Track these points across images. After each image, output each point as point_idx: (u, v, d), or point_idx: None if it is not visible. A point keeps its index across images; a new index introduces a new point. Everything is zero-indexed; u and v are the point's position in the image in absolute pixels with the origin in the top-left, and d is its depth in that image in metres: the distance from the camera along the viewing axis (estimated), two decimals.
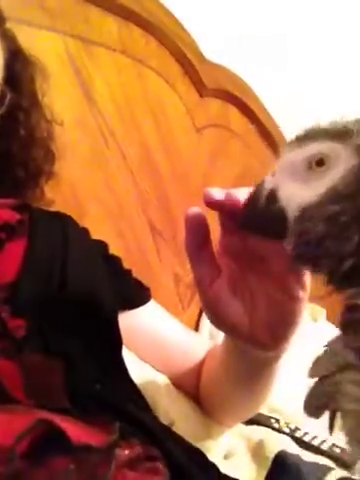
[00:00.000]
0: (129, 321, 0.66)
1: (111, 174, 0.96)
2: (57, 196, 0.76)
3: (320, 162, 0.31)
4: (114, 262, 0.71)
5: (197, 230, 0.41)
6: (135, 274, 0.73)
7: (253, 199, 0.35)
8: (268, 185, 0.34)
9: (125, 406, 0.34)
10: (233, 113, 1.19)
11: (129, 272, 0.72)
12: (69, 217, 0.66)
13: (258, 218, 0.35)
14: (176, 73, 1.06)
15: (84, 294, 0.51)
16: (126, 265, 0.73)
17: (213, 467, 0.36)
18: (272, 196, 0.33)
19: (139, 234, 1.03)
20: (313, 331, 1.25)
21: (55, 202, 0.74)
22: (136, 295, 0.70)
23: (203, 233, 0.41)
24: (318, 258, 0.31)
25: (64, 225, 0.62)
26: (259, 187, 0.35)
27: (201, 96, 1.12)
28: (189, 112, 1.10)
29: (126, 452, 0.27)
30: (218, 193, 0.39)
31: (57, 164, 0.73)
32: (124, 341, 0.62)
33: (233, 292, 0.41)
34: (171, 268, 1.10)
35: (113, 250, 0.73)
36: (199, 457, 0.35)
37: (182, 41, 1.04)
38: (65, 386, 0.35)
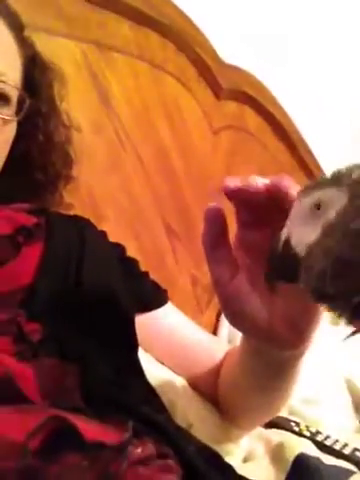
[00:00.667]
0: (146, 323, 0.67)
1: (128, 177, 0.97)
2: (75, 200, 0.77)
3: (318, 206, 0.35)
4: (131, 264, 0.71)
5: (214, 224, 0.41)
6: (152, 276, 0.74)
7: (272, 251, 0.38)
8: (283, 235, 0.37)
9: (139, 407, 0.34)
10: (249, 114, 1.19)
11: (146, 274, 0.73)
12: (86, 220, 0.67)
13: (279, 268, 0.38)
14: (192, 76, 1.07)
15: (100, 296, 0.51)
16: (143, 268, 0.74)
17: (229, 468, 0.35)
18: (287, 244, 0.37)
19: (156, 236, 1.03)
20: (334, 335, 1.23)
21: (74, 206, 0.75)
22: (153, 297, 0.70)
23: (220, 227, 0.41)
24: (328, 295, 0.33)
25: (81, 228, 0.63)
26: (276, 238, 0.38)
27: (217, 98, 1.12)
28: (205, 114, 1.10)
29: (139, 450, 0.27)
30: (234, 181, 0.39)
31: (75, 168, 0.74)
32: (142, 343, 0.62)
33: (252, 287, 0.41)
34: (188, 270, 1.10)
35: (130, 252, 0.73)
36: (214, 458, 0.35)
37: (199, 44, 1.05)
38: (80, 388, 0.35)
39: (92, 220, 0.70)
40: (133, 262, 0.72)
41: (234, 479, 0.36)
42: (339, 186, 0.34)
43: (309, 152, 1.32)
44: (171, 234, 1.06)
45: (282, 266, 0.37)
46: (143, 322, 0.65)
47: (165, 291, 0.73)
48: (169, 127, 1.03)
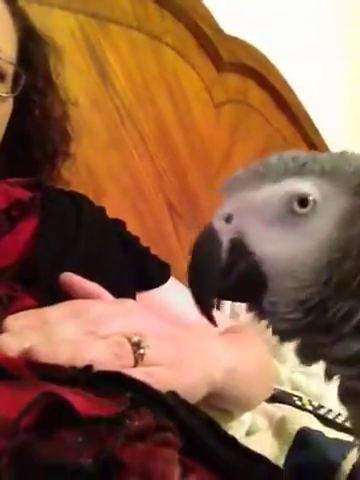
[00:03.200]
0: (149, 299, 0.66)
1: (128, 154, 0.95)
2: (74, 177, 0.76)
3: (304, 202, 0.25)
4: (131, 241, 0.70)
5: None
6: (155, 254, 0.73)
7: (208, 253, 0.26)
8: (226, 233, 0.26)
9: (140, 382, 0.34)
10: (252, 88, 1.16)
11: (147, 250, 0.72)
12: (83, 196, 0.66)
13: (225, 276, 0.26)
14: (192, 47, 1.04)
15: (97, 273, 0.51)
16: (145, 245, 0.73)
17: (231, 439, 0.35)
18: (237, 247, 0.26)
19: (157, 214, 1.02)
20: None
21: (72, 183, 0.74)
22: (155, 274, 0.70)
23: None
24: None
25: (77, 203, 0.62)
26: (209, 237, 0.26)
27: (218, 71, 1.10)
28: (207, 88, 1.08)
29: (136, 423, 0.26)
30: None
31: (73, 145, 0.73)
32: None
33: None
34: (190, 247, 1.09)
35: (131, 230, 0.73)
36: (215, 428, 0.35)
37: (198, 14, 1.02)
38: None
39: (92, 197, 0.69)
40: (133, 238, 0.71)
41: (237, 451, 0.36)
42: (334, 181, 0.25)
43: (312, 125, 1.30)
44: (173, 211, 1.05)
45: (232, 278, 0.26)
46: (146, 299, 0.65)
47: (167, 266, 0.72)
48: (169, 101, 1.01)
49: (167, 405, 0.32)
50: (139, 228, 0.94)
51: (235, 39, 1.10)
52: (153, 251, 0.74)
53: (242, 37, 1.09)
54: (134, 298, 0.60)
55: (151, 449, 0.25)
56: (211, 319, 0.29)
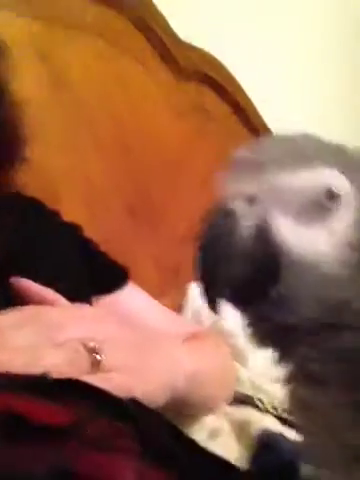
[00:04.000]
0: (107, 304, 0.65)
1: (85, 159, 0.94)
2: (29, 180, 0.74)
3: (332, 195, 0.24)
4: (88, 245, 0.69)
5: None
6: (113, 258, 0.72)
7: (227, 243, 0.24)
8: (248, 219, 0.24)
9: (99, 389, 0.33)
10: (210, 95, 1.17)
11: (105, 254, 0.71)
12: (35, 200, 0.65)
13: (244, 265, 0.24)
14: (151, 55, 1.04)
15: (52, 278, 0.50)
16: (104, 250, 0.72)
17: (192, 443, 0.35)
18: (261, 234, 0.24)
19: (116, 218, 1.01)
20: None
21: (27, 187, 0.72)
22: (113, 279, 0.69)
23: None
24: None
25: (30, 207, 0.60)
26: (228, 222, 0.24)
27: (177, 79, 1.10)
28: (166, 96, 1.08)
29: (92, 431, 0.26)
30: None
31: (28, 149, 0.71)
32: None
33: None
34: (151, 252, 1.08)
35: (89, 234, 0.71)
36: (176, 433, 0.34)
37: (156, 23, 1.02)
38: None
39: (48, 201, 0.68)
40: (90, 242, 0.70)
41: (198, 455, 0.35)
42: (352, 177, 0.24)
43: (269, 132, 1.33)
44: (132, 215, 1.04)
45: (252, 268, 0.24)
46: (103, 303, 0.64)
47: (125, 270, 0.71)
48: (127, 106, 1.01)
49: (125, 411, 0.31)
50: (97, 232, 0.92)
51: (193, 47, 1.11)
52: (112, 255, 0.73)
53: (199, 45, 1.10)
54: (90, 303, 0.59)
55: (107, 457, 0.25)
56: (216, 310, 0.26)
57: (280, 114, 1.36)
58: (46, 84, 0.87)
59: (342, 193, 0.24)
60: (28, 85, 0.82)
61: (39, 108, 0.83)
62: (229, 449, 0.64)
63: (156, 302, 0.74)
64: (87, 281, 0.60)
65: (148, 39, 1.03)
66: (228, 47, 1.19)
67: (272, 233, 0.25)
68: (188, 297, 1.13)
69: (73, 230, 0.67)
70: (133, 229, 1.04)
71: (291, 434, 0.71)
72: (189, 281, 1.16)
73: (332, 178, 0.24)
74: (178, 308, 1.15)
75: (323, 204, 0.24)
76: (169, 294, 1.13)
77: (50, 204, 0.68)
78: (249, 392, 0.84)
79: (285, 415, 0.81)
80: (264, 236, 0.25)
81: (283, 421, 0.78)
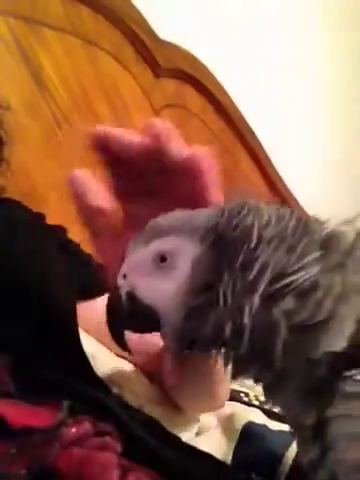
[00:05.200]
0: (92, 308, 0.65)
1: (67, 159, 0.93)
2: (10, 182, 0.74)
3: (163, 258, 0.34)
4: (72, 248, 0.69)
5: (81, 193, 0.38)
6: (97, 261, 0.72)
7: (115, 304, 0.36)
8: (123, 289, 0.36)
9: (79, 387, 0.34)
10: (189, 93, 1.18)
11: (89, 257, 0.71)
12: (16, 202, 0.64)
13: (128, 320, 0.36)
14: (129, 54, 1.04)
15: (35, 282, 0.50)
16: (88, 251, 0.72)
17: (175, 439, 0.36)
18: (133, 298, 0.35)
19: None
20: None
21: (7, 189, 0.72)
22: (97, 282, 0.68)
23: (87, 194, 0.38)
24: (190, 343, 0.33)
25: (10, 211, 0.60)
26: (115, 293, 0.36)
27: (156, 77, 1.10)
28: (145, 93, 1.08)
29: (73, 430, 0.26)
30: (105, 130, 0.35)
31: (7, 150, 0.71)
32: (91, 330, 0.61)
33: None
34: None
35: (74, 236, 0.71)
36: (159, 430, 0.35)
37: (133, 20, 1.02)
38: (10, 376, 0.34)
39: (32, 204, 0.67)
40: (74, 245, 0.70)
41: (181, 451, 0.36)
42: (186, 235, 0.34)
43: (250, 131, 1.34)
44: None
45: (133, 319, 0.36)
46: (88, 308, 0.64)
47: None
48: (107, 106, 1.00)
49: (108, 409, 0.32)
50: (81, 235, 0.92)
51: (171, 45, 1.11)
52: (96, 257, 0.73)
53: (177, 42, 1.11)
54: (75, 306, 0.59)
55: (87, 454, 0.25)
56: (126, 349, 0.37)
57: (260, 110, 1.37)
58: (27, 85, 0.86)
59: (170, 252, 0.34)
60: (10, 86, 0.82)
61: (20, 110, 0.83)
62: (215, 444, 0.65)
63: None
64: (71, 284, 0.60)
65: (127, 38, 1.02)
66: (207, 45, 1.20)
67: (137, 295, 0.35)
68: None
69: (58, 233, 0.67)
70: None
71: (276, 425, 0.73)
72: None
73: (161, 246, 0.34)
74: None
75: (160, 265, 0.34)
76: None
77: (34, 207, 0.67)
78: (234, 386, 0.85)
79: (269, 407, 0.83)
80: (134, 298, 0.35)
81: (268, 413, 0.79)
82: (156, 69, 1.09)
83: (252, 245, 0.31)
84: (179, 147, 0.37)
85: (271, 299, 0.30)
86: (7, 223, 0.57)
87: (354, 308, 0.29)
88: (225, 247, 0.32)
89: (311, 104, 1.63)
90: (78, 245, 0.70)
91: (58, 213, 0.89)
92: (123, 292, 0.35)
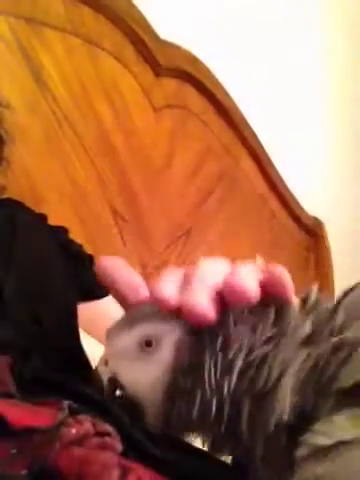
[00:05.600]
0: (94, 310, 0.65)
1: (68, 159, 0.94)
2: (11, 182, 0.74)
3: (148, 343, 0.35)
4: (74, 249, 0.69)
5: None
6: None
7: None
8: (105, 376, 0.36)
9: (79, 387, 0.34)
10: (190, 92, 1.18)
11: (91, 258, 0.71)
12: (18, 203, 0.64)
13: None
14: (130, 53, 1.04)
15: (36, 284, 0.49)
16: (89, 252, 0.72)
17: (175, 441, 0.35)
18: (115, 383, 0.35)
19: (101, 219, 1.01)
20: None
21: (7, 189, 0.72)
22: (99, 285, 0.68)
23: None
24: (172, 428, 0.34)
25: (11, 211, 0.60)
26: (97, 379, 0.36)
27: (157, 76, 1.10)
28: (146, 93, 1.08)
29: (73, 430, 0.26)
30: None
31: (7, 149, 0.71)
32: (90, 329, 0.61)
33: None
34: (137, 252, 1.09)
35: (76, 237, 0.71)
36: (160, 433, 0.35)
37: (134, 20, 1.02)
38: (11, 375, 0.34)
39: (31, 203, 0.67)
40: (76, 246, 0.70)
41: (181, 452, 0.36)
42: (168, 319, 0.35)
43: (251, 131, 1.34)
44: (117, 216, 1.04)
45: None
46: (90, 309, 0.64)
47: None
48: (108, 105, 1.00)
49: (107, 410, 0.32)
50: (82, 234, 0.92)
51: (171, 44, 1.11)
52: (98, 256, 0.72)
53: (178, 42, 1.10)
54: (76, 309, 0.59)
55: (88, 453, 0.25)
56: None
57: (261, 110, 1.37)
58: (28, 85, 0.86)
59: (154, 338, 0.35)
60: (12, 85, 0.82)
61: (21, 109, 0.83)
62: None
63: None
64: (73, 285, 0.60)
65: (128, 37, 1.02)
66: (208, 44, 1.20)
67: (119, 381, 0.35)
68: None
69: (60, 234, 0.67)
70: (118, 229, 1.05)
71: None
72: None
73: (145, 331, 0.35)
74: None
75: (144, 350, 0.35)
76: None
77: (34, 207, 0.67)
78: None
79: None
80: (116, 384, 0.35)
81: None
82: (157, 69, 1.09)
83: (231, 326, 0.33)
84: None
85: (242, 374, 0.32)
86: (8, 223, 0.56)
87: (290, 380, 0.32)
88: (206, 330, 0.34)
89: (312, 104, 1.63)
90: (80, 246, 0.70)
91: (58, 213, 0.90)
92: (105, 378, 0.36)
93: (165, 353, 0.34)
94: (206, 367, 0.33)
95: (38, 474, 0.23)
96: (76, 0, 0.92)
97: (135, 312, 0.37)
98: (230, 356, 0.33)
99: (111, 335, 0.37)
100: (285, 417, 0.31)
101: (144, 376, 0.35)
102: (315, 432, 0.30)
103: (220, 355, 0.33)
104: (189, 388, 0.33)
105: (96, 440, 0.26)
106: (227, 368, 0.33)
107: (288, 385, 0.31)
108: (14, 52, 0.84)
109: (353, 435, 0.30)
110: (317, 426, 0.31)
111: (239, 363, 0.33)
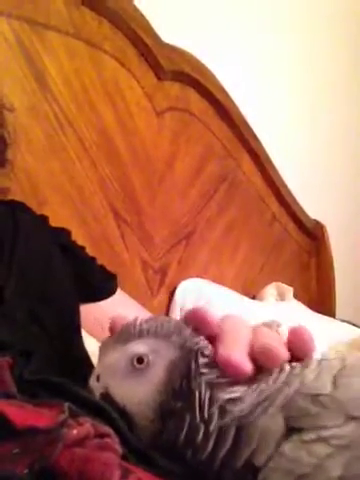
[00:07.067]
0: (96, 312, 0.65)
1: (69, 161, 0.94)
2: (13, 184, 0.74)
3: (140, 360, 0.35)
4: (76, 251, 0.69)
5: None
6: (101, 263, 0.72)
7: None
8: (97, 391, 0.36)
9: (79, 389, 0.34)
10: (193, 96, 1.18)
11: (93, 260, 0.71)
12: (20, 204, 0.64)
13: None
14: (132, 56, 1.04)
15: (38, 286, 0.49)
16: (91, 254, 0.72)
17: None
18: (106, 399, 0.36)
19: (102, 221, 1.01)
20: (282, 310, 1.27)
21: (11, 191, 0.72)
22: (102, 286, 0.68)
23: None
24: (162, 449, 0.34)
25: (13, 212, 0.60)
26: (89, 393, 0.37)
27: (159, 79, 1.10)
28: (148, 96, 1.08)
29: (75, 431, 0.26)
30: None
31: (10, 152, 0.71)
32: (92, 331, 0.61)
33: None
34: (138, 254, 1.09)
35: (76, 239, 0.71)
36: None
37: (136, 23, 1.02)
38: (14, 374, 0.34)
39: (33, 205, 0.67)
40: (79, 248, 0.70)
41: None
42: (163, 339, 0.36)
43: (253, 134, 1.34)
44: (119, 218, 1.04)
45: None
46: (92, 311, 0.64)
47: (114, 277, 0.71)
48: (110, 108, 1.01)
49: (106, 413, 0.32)
50: (84, 236, 0.93)
51: (174, 48, 1.11)
52: (99, 258, 0.73)
53: (180, 45, 1.11)
54: (78, 310, 0.59)
55: (89, 453, 0.25)
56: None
57: (262, 112, 1.38)
58: (30, 87, 0.86)
59: (146, 355, 0.36)
60: (14, 87, 0.82)
61: (23, 111, 0.83)
62: None
63: (145, 311, 0.74)
64: (75, 288, 0.60)
65: (130, 40, 1.03)
66: (210, 48, 1.20)
67: (111, 397, 0.36)
68: (176, 298, 1.14)
69: (62, 236, 0.67)
70: (120, 231, 1.05)
71: None
72: (177, 282, 1.17)
73: (137, 348, 0.36)
74: (166, 309, 1.15)
75: (136, 367, 0.36)
76: (157, 295, 1.13)
77: (36, 209, 0.67)
78: None
79: None
80: (108, 400, 0.36)
81: None
82: (159, 72, 1.09)
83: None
84: None
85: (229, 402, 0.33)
86: (10, 223, 0.57)
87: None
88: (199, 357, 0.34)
89: (314, 106, 1.64)
90: (82, 248, 0.70)
91: (60, 215, 0.90)
92: (97, 394, 0.36)
93: (157, 372, 0.35)
94: (197, 395, 0.33)
95: (39, 474, 0.24)
96: (79, 3, 0.92)
97: (129, 328, 0.37)
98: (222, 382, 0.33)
99: (104, 350, 0.37)
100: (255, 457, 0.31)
101: (135, 394, 0.35)
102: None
103: (212, 381, 0.33)
104: (179, 411, 0.33)
105: (97, 441, 0.26)
106: (216, 396, 0.33)
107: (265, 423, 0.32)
108: (16, 54, 0.84)
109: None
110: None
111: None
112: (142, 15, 1.02)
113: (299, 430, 0.31)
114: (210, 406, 0.33)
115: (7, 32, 0.82)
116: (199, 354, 0.35)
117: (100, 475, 0.24)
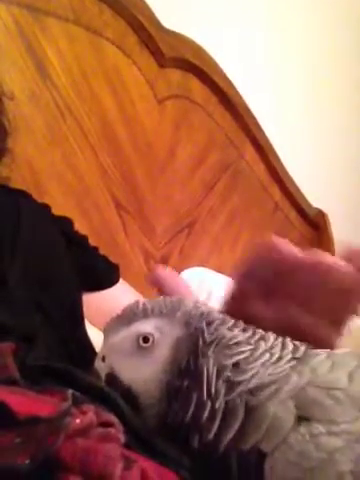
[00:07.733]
0: (99, 301, 0.65)
1: (70, 150, 0.93)
2: (14, 173, 0.73)
3: (146, 339, 0.35)
4: (79, 240, 0.69)
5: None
6: (103, 253, 0.72)
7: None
8: (102, 372, 0.36)
9: (83, 376, 0.34)
10: (194, 83, 1.16)
11: (96, 250, 0.71)
12: (22, 191, 0.64)
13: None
14: (133, 43, 1.03)
15: (41, 274, 0.49)
16: (93, 243, 0.72)
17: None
18: (112, 379, 0.36)
19: (104, 211, 1.01)
20: None
21: (12, 180, 0.71)
22: (104, 275, 0.68)
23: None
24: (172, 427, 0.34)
25: (17, 200, 0.60)
26: (96, 374, 0.37)
27: (161, 66, 1.09)
28: (149, 83, 1.07)
29: (77, 421, 0.26)
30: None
31: (11, 140, 0.70)
32: (93, 320, 0.61)
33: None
34: (140, 244, 1.08)
35: (77, 228, 0.71)
36: None
37: (137, 9, 1.01)
38: (17, 360, 0.34)
39: (34, 194, 0.67)
40: (81, 237, 0.70)
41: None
42: (168, 318, 0.35)
43: (255, 123, 1.33)
44: (120, 208, 1.04)
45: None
46: (94, 300, 0.64)
47: (117, 267, 0.71)
48: (111, 96, 1.00)
49: (111, 400, 0.32)
50: (86, 226, 0.92)
51: (176, 34, 1.10)
52: (101, 248, 0.72)
53: (182, 32, 1.09)
54: (81, 298, 0.59)
55: (92, 444, 0.25)
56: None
57: (264, 100, 1.36)
58: (31, 75, 0.85)
59: (152, 334, 0.36)
60: (14, 75, 0.81)
61: (24, 100, 0.83)
62: None
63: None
64: (78, 277, 0.60)
65: (131, 27, 1.01)
66: (212, 34, 1.18)
67: (117, 376, 0.36)
68: None
69: (64, 225, 0.67)
70: (121, 221, 1.04)
71: None
72: (178, 271, 1.16)
73: (143, 328, 0.36)
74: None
75: (141, 346, 0.35)
76: None
77: (38, 198, 0.67)
78: None
79: None
80: (113, 380, 0.36)
81: None
82: (160, 59, 1.08)
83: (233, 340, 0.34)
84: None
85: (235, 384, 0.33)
86: (13, 210, 0.56)
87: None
88: (207, 331, 0.34)
89: (317, 95, 1.62)
90: (85, 237, 0.70)
91: (61, 205, 0.89)
92: (102, 374, 0.36)
93: (163, 351, 0.34)
94: (205, 372, 0.33)
95: (41, 464, 0.23)
96: None
97: (133, 308, 0.37)
98: (229, 362, 0.33)
99: (108, 331, 0.37)
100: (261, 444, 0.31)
101: (141, 373, 0.35)
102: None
103: (218, 359, 0.33)
104: (185, 389, 0.33)
105: (99, 431, 0.26)
106: (222, 374, 0.33)
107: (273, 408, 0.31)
108: (16, 41, 0.83)
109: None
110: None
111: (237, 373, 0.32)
112: (143, 1, 1.01)
113: (308, 420, 0.31)
114: (217, 379, 0.33)
115: (7, 19, 0.81)
116: (205, 328, 0.34)
117: (102, 467, 0.24)
